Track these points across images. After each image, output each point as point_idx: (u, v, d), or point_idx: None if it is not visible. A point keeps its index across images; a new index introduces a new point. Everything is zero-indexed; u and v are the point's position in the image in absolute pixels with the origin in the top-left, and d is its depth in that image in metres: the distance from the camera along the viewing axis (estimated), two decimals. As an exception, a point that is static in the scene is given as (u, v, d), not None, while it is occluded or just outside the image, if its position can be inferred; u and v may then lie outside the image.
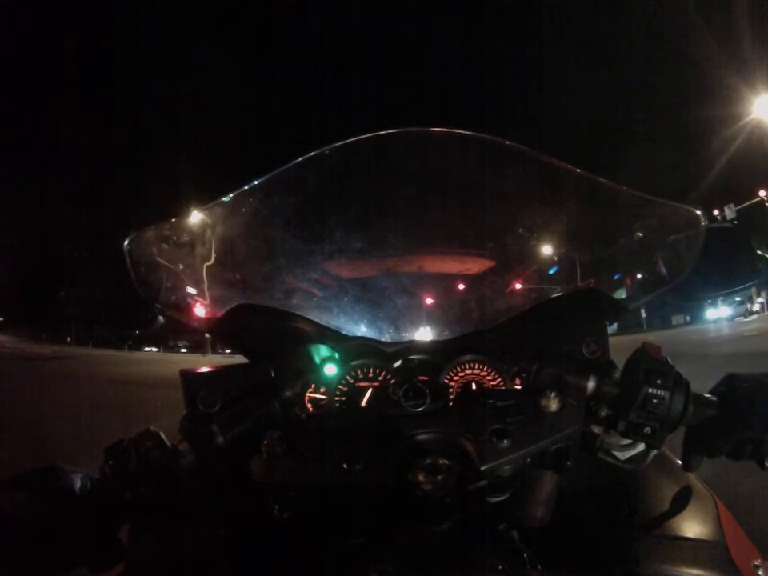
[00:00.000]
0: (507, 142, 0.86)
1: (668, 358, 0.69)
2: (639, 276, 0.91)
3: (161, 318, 0.84)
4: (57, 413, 6.46)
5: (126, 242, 0.79)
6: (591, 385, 0.70)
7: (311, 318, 0.84)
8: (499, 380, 0.83)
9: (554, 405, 0.66)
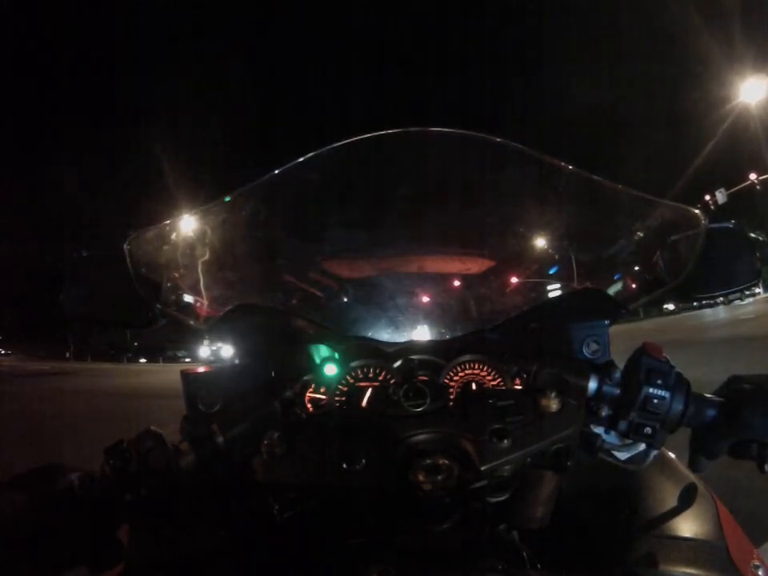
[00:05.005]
0: (507, 142, 0.86)
1: (668, 357, 0.69)
2: (639, 276, 0.91)
3: (161, 318, 0.84)
4: (59, 428, 6.42)
5: (125, 242, 0.78)
6: (591, 385, 0.70)
7: (311, 318, 0.84)
8: (499, 380, 0.83)
9: (554, 405, 0.66)
